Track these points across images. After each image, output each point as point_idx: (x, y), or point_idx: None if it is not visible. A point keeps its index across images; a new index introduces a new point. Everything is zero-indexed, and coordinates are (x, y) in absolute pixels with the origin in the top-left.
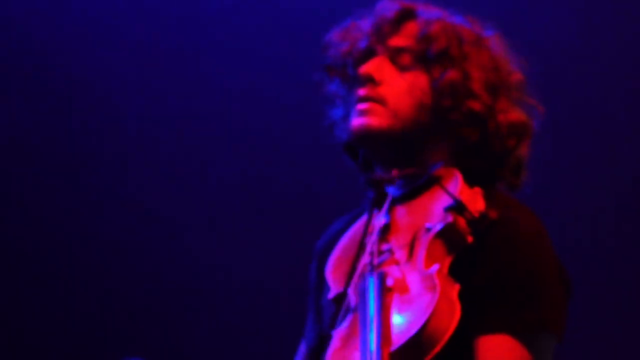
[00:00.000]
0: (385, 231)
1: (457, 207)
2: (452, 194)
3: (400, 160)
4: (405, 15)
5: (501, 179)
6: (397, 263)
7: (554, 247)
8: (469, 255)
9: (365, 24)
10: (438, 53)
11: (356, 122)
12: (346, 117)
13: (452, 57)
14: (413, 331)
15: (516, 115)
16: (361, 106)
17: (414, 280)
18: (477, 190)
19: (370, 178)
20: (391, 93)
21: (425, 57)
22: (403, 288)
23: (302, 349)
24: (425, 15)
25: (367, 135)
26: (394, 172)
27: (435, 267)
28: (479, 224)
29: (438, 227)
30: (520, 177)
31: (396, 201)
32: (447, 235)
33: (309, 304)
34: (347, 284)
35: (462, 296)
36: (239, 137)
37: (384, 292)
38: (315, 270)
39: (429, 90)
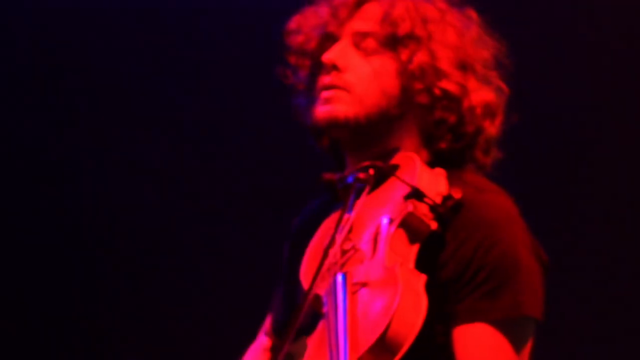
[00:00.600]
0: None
1: (415, 194)
2: (409, 182)
3: (368, 146)
4: None
5: (472, 159)
6: (361, 261)
7: (526, 225)
8: (437, 242)
9: (324, 10)
10: (404, 36)
11: (320, 110)
12: (310, 105)
13: (418, 38)
14: (378, 333)
15: (488, 94)
16: (325, 94)
17: (378, 278)
18: (440, 171)
19: (323, 179)
20: (356, 79)
21: (391, 40)
22: (368, 288)
23: (267, 325)
24: None
25: (332, 124)
26: (348, 174)
27: (397, 261)
28: (443, 208)
29: (398, 218)
30: (490, 156)
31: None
32: (409, 225)
33: (279, 280)
34: (311, 286)
35: (434, 286)
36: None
37: (349, 294)
38: (289, 251)
39: (396, 75)
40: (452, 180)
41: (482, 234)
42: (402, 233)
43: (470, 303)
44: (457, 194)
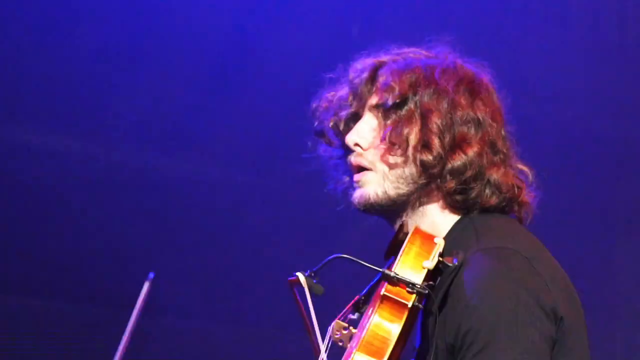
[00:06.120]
0: (365, 301)
1: (386, 278)
2: (388, 266)
3: (405, 216)
4: (377, 69)
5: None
6: (351, 343)
7: (531, 276)
8: (437, 308)
9: (345, 91)
10: (393, 105)
11: (355, 196)
12: (347, 186)
13: (402, 107)
14: None
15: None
16: (356, 177)
17: None
18: (434, 243)
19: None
20: (378, 157)
21: (387, 108)
22: None
23: None
24: (391, 65)
25: (367, 206)
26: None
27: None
28: (420, 286)
29: (377, 300)
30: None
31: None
32: (386, 305)
33: None
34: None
35: (443, 349)
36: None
37: None
38: None
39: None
40: (459, 240)
41: (467, 297)
42: (383, 314)
43: None
44: (453, 260)
